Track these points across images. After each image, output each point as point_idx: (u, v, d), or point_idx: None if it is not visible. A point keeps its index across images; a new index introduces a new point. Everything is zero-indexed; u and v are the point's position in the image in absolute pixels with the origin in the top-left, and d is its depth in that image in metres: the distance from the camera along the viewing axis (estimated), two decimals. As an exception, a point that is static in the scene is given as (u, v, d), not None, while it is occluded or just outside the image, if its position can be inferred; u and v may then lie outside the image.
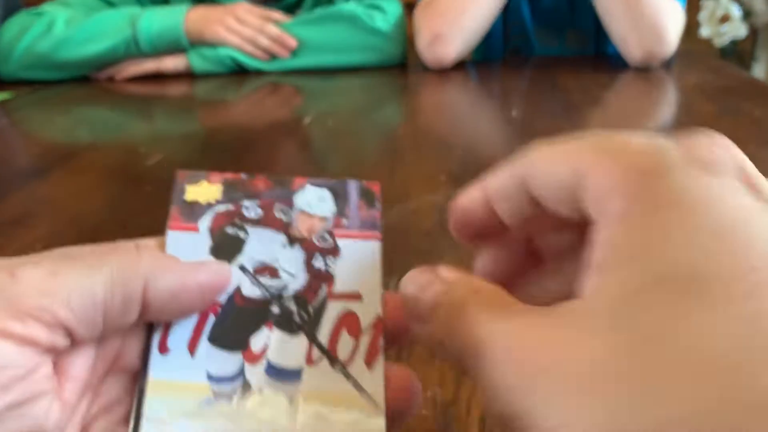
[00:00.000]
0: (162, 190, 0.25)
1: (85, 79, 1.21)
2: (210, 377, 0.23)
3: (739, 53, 2.09)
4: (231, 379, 0.23)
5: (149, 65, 1.17)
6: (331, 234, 0.25)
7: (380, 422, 0.22)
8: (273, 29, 1.15)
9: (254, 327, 0.23)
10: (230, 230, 0.24)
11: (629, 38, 1.08)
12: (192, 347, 0.23)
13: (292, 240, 0.25)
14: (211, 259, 0.24)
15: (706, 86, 0.96)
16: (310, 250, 0.25)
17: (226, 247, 0.24)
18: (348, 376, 0.23)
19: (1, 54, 1.18)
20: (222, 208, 0.25)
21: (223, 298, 0.23)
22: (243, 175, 0.25)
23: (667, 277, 0.15)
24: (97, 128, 0.94)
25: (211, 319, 0.23)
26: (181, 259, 0.22)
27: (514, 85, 1.09)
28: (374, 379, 0.23)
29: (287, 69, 1.18)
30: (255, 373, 0.23)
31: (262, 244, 0.24)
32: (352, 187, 0.26)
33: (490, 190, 0.22)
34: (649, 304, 0.14)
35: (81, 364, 0.21)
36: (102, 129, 0.94)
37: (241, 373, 0.23)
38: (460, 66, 1.17)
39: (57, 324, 0.19)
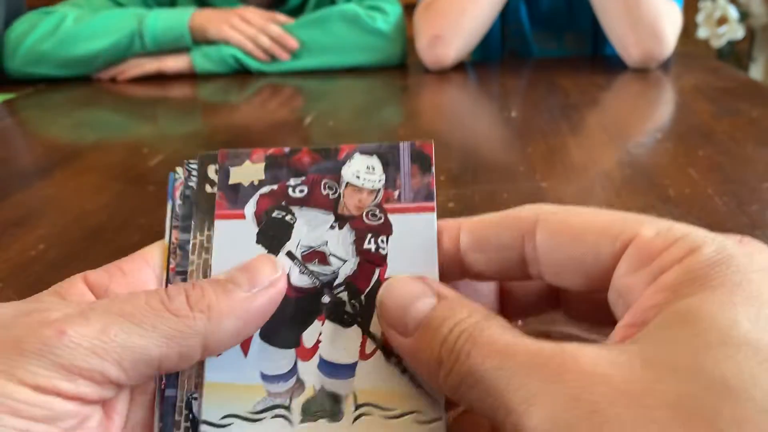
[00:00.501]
0: (164, 190, 0.25)
1: (88, 80, 1.21)
2: (264, 377, 0.22)
3: (736, 54, 2.09)
4: (284, 377, 0.22)
5: (151, 65, 1.18)
6: (381, 209, 0.23)
7: (439, 419, 0.21)
8: (275, 29, 1.17)
9: (306, 320, 0.22)
10: (276, 214, 0.23)
11: (627, 39, 1.08)
12: (245, 346, 0.22)
13: (341, 219, 0.23)
14: (259, 249, 0.23)
15: (703, 87, 0.97)
16: (360, 229, 0.23)
17: (272, 234, 0.23)
18: (404, 370, 0.21)
19: (7, 50, 1.20)
20: (266, 189, 0.24)
21: None
22: (286, 150, 0.24)
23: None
24: (100, 128, 0.95)
25: None
26: (237, 291, 0.21)
27: (513, 86, 1.09)
28: None
29: (289, 70, 1.19)
30: (308, 370, 0.22)
31: (309, 227, 0.23)
32: (404, 150, 0.24)
33: (467, 233, 0.22)
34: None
35: (124, 398, 0.22)
36: (105, 129, 0.94)
37: (295, 370, 0.22)
38: (459, 67, 1.17)
39: (107, 382, 0.19)
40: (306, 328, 0.22)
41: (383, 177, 0.23)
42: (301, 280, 0.23)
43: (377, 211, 0.23)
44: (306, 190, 0.23)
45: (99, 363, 0.18)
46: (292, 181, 0.24)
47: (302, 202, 0.23)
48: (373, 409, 0.21)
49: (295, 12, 1.28)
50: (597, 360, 0.16)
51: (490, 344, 0.18)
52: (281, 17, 1.20)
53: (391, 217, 0.23)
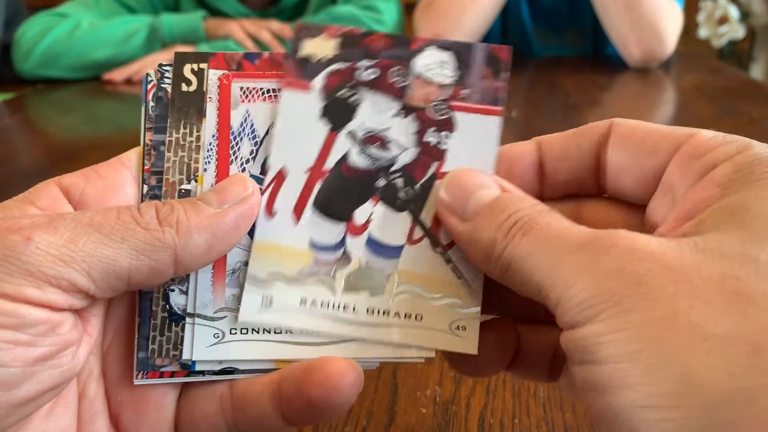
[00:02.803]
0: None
1: (89, 80, 1.22)
2: (312, 245, 0.23)
3: (737, 54, 2.09)
4: (332, 248, 0.23)
5: (165, 57, 1.20)
6: (448, 105, 0.23)
7: (476, 311, 0.22)
8: (275, 24, 1.23)
9: (359, 199, 0.23)
10: (343, 93, 0.23)
11: (628, 38, 1.08)
12: (298, 212, 0.23)
13: (407, 109, 0.23)
14: (322, 123, 0.23)
15: (704, 87, 0.96)
16: (424, 121, 0.23)
17: (336, 111, 0.23)
18: (449, 260, 0.22)
19: (20, 52, 1.21)
20: (336, 66, 0.24)
21: (330, 165, 0.23)
22: (361, 31, 0.24)
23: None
24: (100, 127, 0.95)
25: (318, 185, 0.23)
26: (206, 208, 0.21)
27: (514, 85, 1.09)
28: (474, 268, 0.22)
29: None
30: (356, 246, 0.23)
31: (374, 111, 0.23)
32: (479, 52, 0.23)
33: (548, 146, 0.23)
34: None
35: (101, 304, 0.22)
36: (105, 128, 0.94)
37: (343, 243, 0.23)
38: (459, 66, 1.17)
39: (75, 290, 0.19)
40: (358, 206, 0.23)
41: (455, 74, 0.23)
42: (358, 161, 0.23)
43: (443, 106, 0.23)
44: (376, 73, 0.23)
45: (66, 271, 0.18)
46: (363, 63, 0.24)
47: (370, 85, 0.24)
48: (415, 290, 0.22)
49: (294, 11, 1.32)
50: (647, 240, 0.17)
51: (547, 227, 0.19)
52: (275, 25, 1.24)
53: (457, 115, 0.23)
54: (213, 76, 0.24)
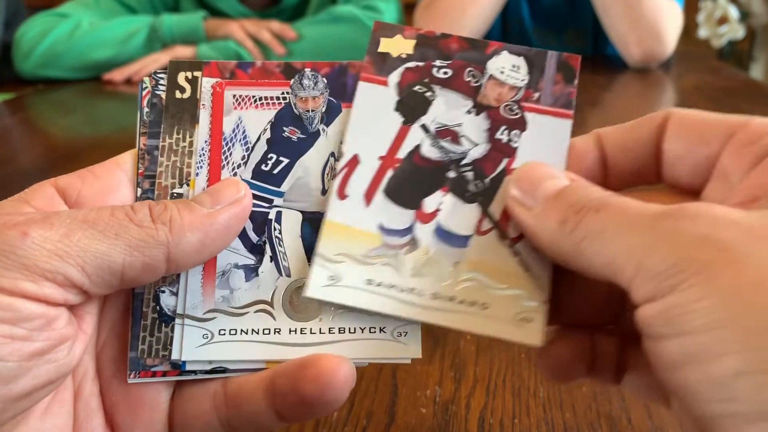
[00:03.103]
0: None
1: (89, 80, 1.22)
2: (381, 228, 0.23)
3: (737, 54, 2.09)
4: (401, 233, 0.23)
5: (166, 57, 1.21)
6: (520, 106, 0.24)
7: (541, 305, 0.22)
8: (275, 24, 1.23)
9: (429, 188, 0.24)
10: (418, 88, 0.24)
11: (628, 38, 1.08)
12: (369, 197, 0.23)
13: (479, 107, 0.24)
14: (396, 117, 0.24)
15: (704, 87, 0.97)
16: (496, 120, 0.24)
17: (411, 105, 0.24)
18: (516, 253, 0.23)
19: (20, 52, 1.21)
20: (412, 64, 0.25)
21: (402, 155, 0.24)
22: (437, 33, 0.25)
23: None
24: (100, 127, 0.95)
25: (389, 173, 0.24)
26: (199, 208, 0.21)
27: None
28: (541, 262, 0.22)
29: None
30: (424, 233, 0.23)
31: (447, 107, 0.24)
32: (552, 59, 0.25)
33: (608, 138, 0.23)
34: None
35: (95, 302, 0.22)
36: (105, 128, 0.94)
37: (411, 229, 0.23)
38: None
39: (70, 284, 0.19)
40: (428, 195, 0.24)
41: (527, 78, 0.25)
42: (430, 152, 0.24)
43: (515, 106, 0.24)
44: (450, 72, 0.25)
45: (62, 265, 0.19)
46: (438, 62, 0.25)
47: (444, 83, 0.25)
48: (481, 279, 0.23)
49: (295, 12, 1.32)
50: (728, 210, 0.17)
51: (621, 203, 0.19)
52: (275, 25, 1.24)
53: (528, 115, 0.24)
54: (207, 84, 0.24)
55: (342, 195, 0.23)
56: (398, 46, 0.25)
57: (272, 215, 0.24)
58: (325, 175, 0.24)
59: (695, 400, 0.16)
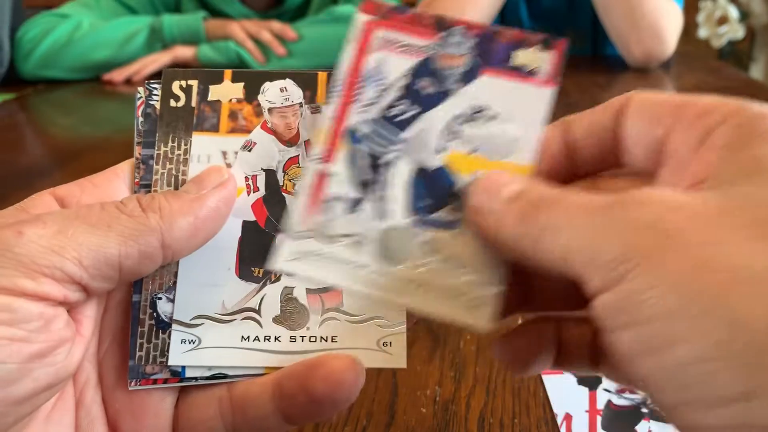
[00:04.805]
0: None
1: (89, 80, 1.22)
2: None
3: (737, 54, 2.09)
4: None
5: (166, 57, 1.21)
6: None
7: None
8: (275, 24, 1.23)
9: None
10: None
11: (628, 38, 1.08)
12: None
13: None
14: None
15: (704, 87, 0.97)
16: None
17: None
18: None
19: (21, 52, 1.21)
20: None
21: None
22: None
23: None
24: (100, 128, 0.95)
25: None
26: (186, 194, 0.22)
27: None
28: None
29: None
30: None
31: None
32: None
33: (576, 124, 0.23)
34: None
35: (94, 305, 0.22)
36: (105, 128, 0.94)
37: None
38: (459, 67, 1.17)
39: (68, 280, 0.19)
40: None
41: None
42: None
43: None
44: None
45: (58, 260, 0.19)
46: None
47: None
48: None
49: (296, 13, 1.32)
50: (673, 193, 0.17)
51: (571, 197, 0.18)
52: (276, 25, 1.24)
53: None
54: (360, 19, 0.24)
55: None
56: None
57: (389, 158, 0.24)
58: (446, 136, 0.24)
59: (655, 390, 0.16)
